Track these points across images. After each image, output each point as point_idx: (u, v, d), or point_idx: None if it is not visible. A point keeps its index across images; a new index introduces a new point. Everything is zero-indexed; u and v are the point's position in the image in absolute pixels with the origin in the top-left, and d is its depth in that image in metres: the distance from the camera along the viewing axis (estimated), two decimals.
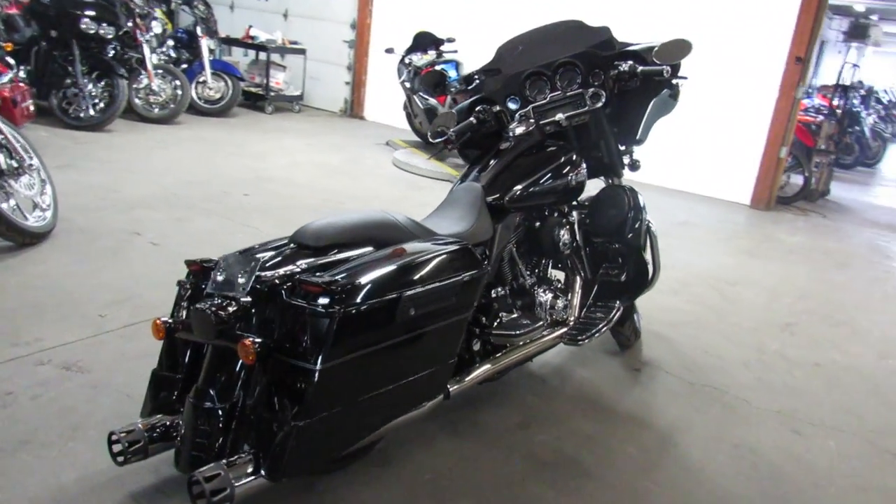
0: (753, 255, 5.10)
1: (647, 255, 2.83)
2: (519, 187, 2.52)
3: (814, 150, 7.25)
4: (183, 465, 1.82)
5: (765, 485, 2.32)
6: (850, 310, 4.16)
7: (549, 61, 2.79)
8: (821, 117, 7.56)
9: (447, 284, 1.93)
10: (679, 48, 2.54)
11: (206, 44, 7.74)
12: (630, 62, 2.61)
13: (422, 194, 5.73)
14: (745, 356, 3.30)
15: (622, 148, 2.93)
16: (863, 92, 10.93)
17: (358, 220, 2.10)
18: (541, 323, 2.48)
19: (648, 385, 2.92)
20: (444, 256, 1.96)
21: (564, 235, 2.61)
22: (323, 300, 1.69)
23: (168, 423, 1.92)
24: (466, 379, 2.20)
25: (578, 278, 2.73)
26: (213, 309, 1.74)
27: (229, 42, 9.12)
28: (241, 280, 1.78)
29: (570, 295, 2.69)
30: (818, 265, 5.07)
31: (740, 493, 2.26)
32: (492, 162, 2.67)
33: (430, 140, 2.87)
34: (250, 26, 8.92)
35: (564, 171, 2.63)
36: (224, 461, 1.67)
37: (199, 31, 7.77)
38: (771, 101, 6.48)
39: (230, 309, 1.76)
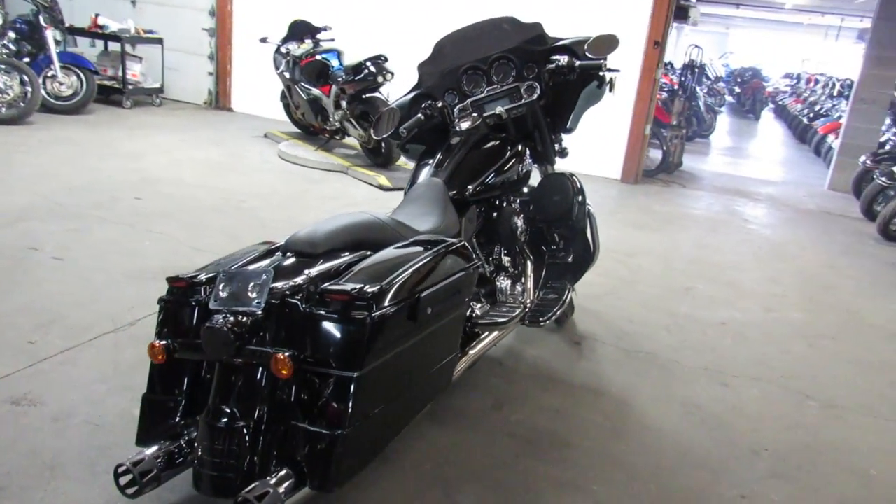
0: (638, 227, 5.54)
1: (590, 236, 3.03)
2: (479, 180, 2.62)
3: (669, 126, 7.93)
4: (206, 487, 1.76)
5: (715, 434, 2.60)
6: (731, 271, 4.66)
7: (485, 56, 2.90)
8: (665, 94, 8.29)
9: (453, 281, 1.99)
10: (608, 42, 2.74)
11: (51, 35, 7.08)
12: (567, 57, 2.77)
13: (320, 187, 5.65)
14: (663, 321, 3.63)
15: (553, 137, 3.11)
16: (696, 69, 12.01)
17: (348, 223, 2.10)
18: (518, 309, 2.61)
19: (591, 356, 3.14)
20: (447, 254, 2.02)
21: (520, 223, 2.75)
22: (353, 308, 1.69)
23: (174, 447, 1.85)
24: (459, 367, 2.28)
25: (529, 262, 2.88)
26: (229, 326, 1.70)
27: (75, 32, 8.38)
28: (252, 294, 1.74)
29: (524, 279, 2.84)
30: (693, 232, 5.61)
31: (699, 444, 2.52)
32: (441, 157, 2.73)
33: (375, 136, 2.88)
34: (97, 14, 8.24)
35: (515, 162, 2.76)
36: (269, 478, 1.64)
37: (42, 20, 7.08)
38: (634, 82, 7.00)
39: (245, 325, 1.72)
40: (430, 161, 2.76)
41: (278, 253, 2.02)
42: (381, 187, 5.74)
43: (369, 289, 1.73)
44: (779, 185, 8.52)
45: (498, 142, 2.79)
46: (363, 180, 5.92)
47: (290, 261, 1.94)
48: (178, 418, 1.90)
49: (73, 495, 1.92)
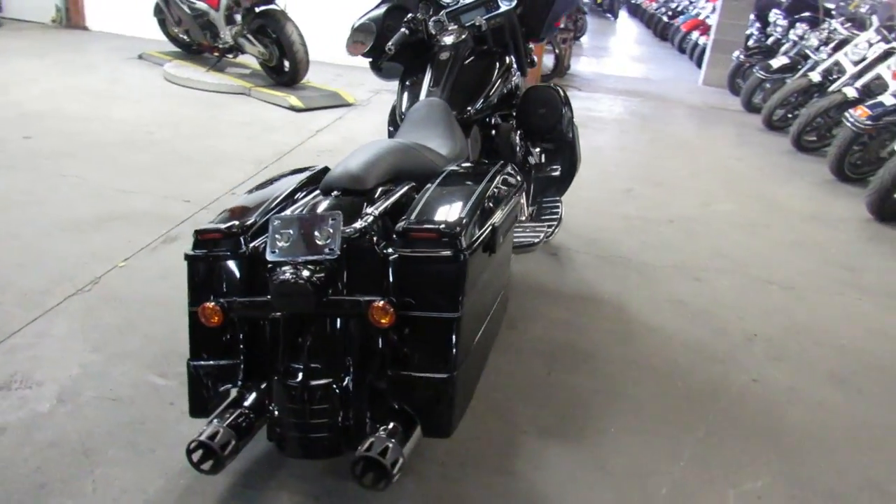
0: None
1: (577, 147, 3.03)
2: (479, 99, 2.51)
3: (559, 28, 7.98)
4: (296, 450, 1.66)
5: (708, 327, 2.78)
6: (655, 169, 4.87)
7: None
8: None
9: (512, 205, 1.93)
10: None
11: None
12: None
13: (227, 112, 5.22)
14: (618, 224, 3.76)
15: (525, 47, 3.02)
16: None
17: (384, 154, 1.95)
18: (542, 225, 2.58)
19: (574, 266, 3.21)
20: (503, 178, 1.94)
21: (517, 139, 2.69)
22: (445, 245, 1.59)
23: (242, 413, 1.71)
24: None
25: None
26: (305, 277, 1.55)
27: None
28: (322, 241, 1.59)
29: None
30: (607, 134, 5.77)
31: (699, 338, 2.68)
32: (434, 75, 2.58)
33: (351, 55, 2.67)
34: None
35: (508, 76, 2.66)
36: (379, 432, 1.56)
37: None
38: None
39: (322, 274, 1.58)
40: (419, 80, 2.60)
41: (315, 192, 1.86)
42: (293, 108, 5.39)
43: (454, 223, 1.63)
44: (660, 84, 8.92)
45: (488, 55, 2.67)
46: (272, 102, 5.53)
47: (340, 200, 1.79)
48: (237, 382, 1.74)
49: (127, 480, 1.74)
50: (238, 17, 5.61)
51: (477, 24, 2.66)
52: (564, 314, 2.76)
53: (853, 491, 1.94)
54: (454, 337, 1.60)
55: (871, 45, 5.76)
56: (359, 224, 1.66)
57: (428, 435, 1.62)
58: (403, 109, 2.56)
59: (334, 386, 1.63)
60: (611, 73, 9.40)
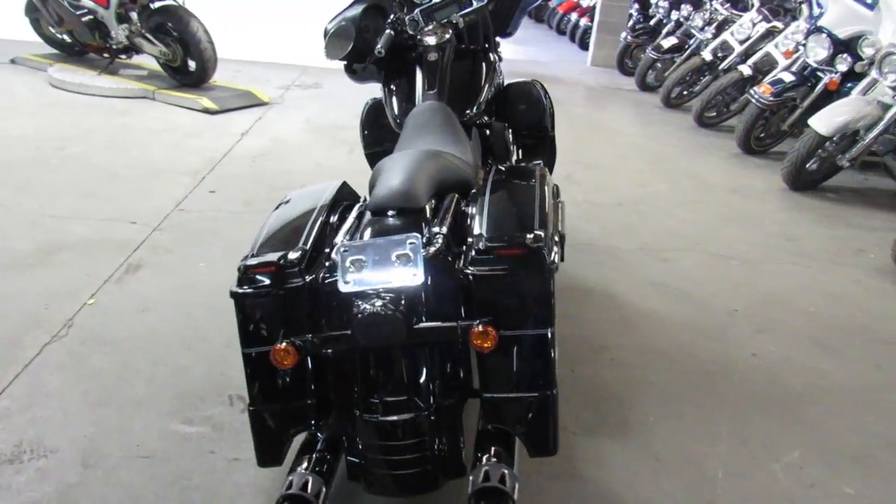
0: None
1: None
2: (477, 100, 2.47)
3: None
4: (387, 487, 1.59)
5: (693, 306, 2.92)
6: (583, 153, 5.02)
7: None
8: None
9: (561, 208, 1.92)
10: None
11: None
12: None
13: (136, 119, 4.82)
14: (574, 211, 3.84)
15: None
16: None
17: (425, 165, 1.87)
18: None
19: None
20: (547, 182, 1.92)
21: (510, 137, 2.67)
22: (533, 261, 1.56)
23: (321, 457, 1.61)
24: None
25: None
26: (392, 307, 1.48)
27: None
28: (402, 266, 1.51)
29: None
30: None
31: (690, 317, 2.81)
32: (427, 78, 2.51)
33: (329, 59, 2.55)
34: None
35: (496, 74, 2.64)
36: (488, 459, 1.51)
37: None
38: None
39: (407, 302, 1.52)
40: (408, 83, 2.52)
41: (365, 214, 1.76)
42: (207, 111, 5.07)
43: (535, 237, 1.60)
44: (550, 66, 9.16)
45: (472, 54, 2.63)
46: (181, 105, 5.16)
47: (397, 220, 1.70)
48: (310, 423, 1.64)
49: None
50: (133, 15, 5.18)
51: (454, 21, 2.61)
52: (560, 306, 2.79)
53: (874, 451, 2.11)
54: (552, 352, 1.58)
55: (754, 24, 6.21)
56: (435, 245, 1.59)
57: (534, 455, 1.59)
58: (397, 114, 2.48)
59: (425, 417, 1.57)
60: (522, 59, 9.53)
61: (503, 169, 1.99)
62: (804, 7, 5.64)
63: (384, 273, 1.49)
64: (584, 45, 10.39)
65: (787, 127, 5.17)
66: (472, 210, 1.78)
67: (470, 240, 1.62)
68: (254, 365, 1.62)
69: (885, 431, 2.20)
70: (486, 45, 2.84)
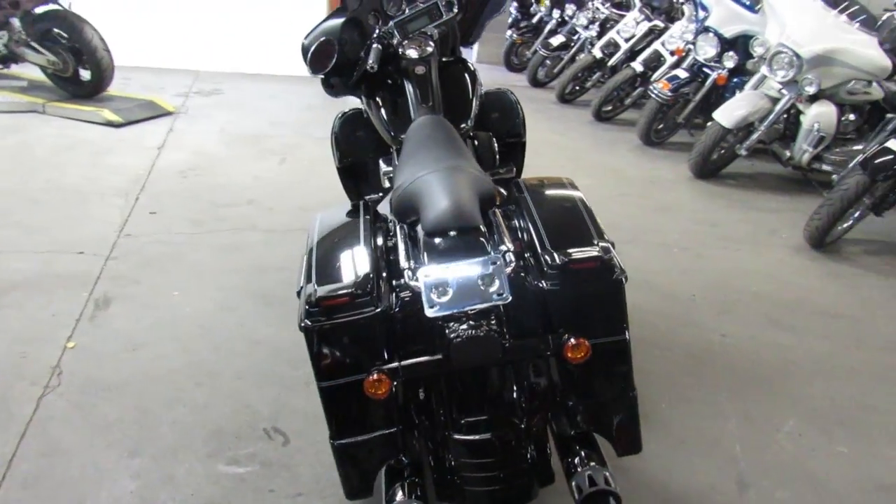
0: None
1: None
2: (473, 112, 2.51)
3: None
4: (494, 502, 1.61)
5: (658, 294, 3.13)
6: None
7: None
8: None
9: None
10: None
11: None
12: None
13: (33, 136, 4.40)
14: None
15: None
16: None
17: (465, 181, 1.89)
18: None
19: None
20: (577, 189, 2.01)
21: (496, 145, 2.72)
22: (606, 272, 1.65)
23: (412, 482, 1.62)
24: None
25: None
26: (486, 326, 1.52)
27: None
28: (488, 286, 1.55)
29: None
30: None
31: (659, 306, 3.03)
32: (418, 92, 2.51)
33: (313, 75, 2.51)
34: None
35: (478, 84, 2.69)
36: (585, 464, 1.59)
37: None
38: None
39: (500, 321, 1.56)
40: (396, 96, 2.52)
41: (416, 235, 1.77)
42: (111, 124, 4.71)
43: (607, 248, 1.69)
44: None
45: (452, 66, 2.67)
46: (80, 119, 4.76)
47: (459, 240, 1.72)
48: (398, 450, 1.63)
49: None
50: (15, 22, 4.70)
51: (429, 33, 2.64)
52: None
53: (853, 413, 2.40)
54: (628, 355, 1.67)
55: (637, 23, 6.65)
56: (510, 264, 1.63)
57: (623, 454, 1.69)
58: (393, 128, 2.47)
59: (518, 430, 1.61)
60: None
61: (533, 181, 2.06)
62: (686, 7, 6.12)
63: (471, 295, 1.52)
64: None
65: (682, 119, 5.60)
66: (520, 224, 1.83)
67: (528, 255, 1.69)
68: (333, 397, 1.60)
69: (855, 394, 2.50)
70: (453, 54, 2.89)
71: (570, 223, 1.79)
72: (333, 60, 2.53)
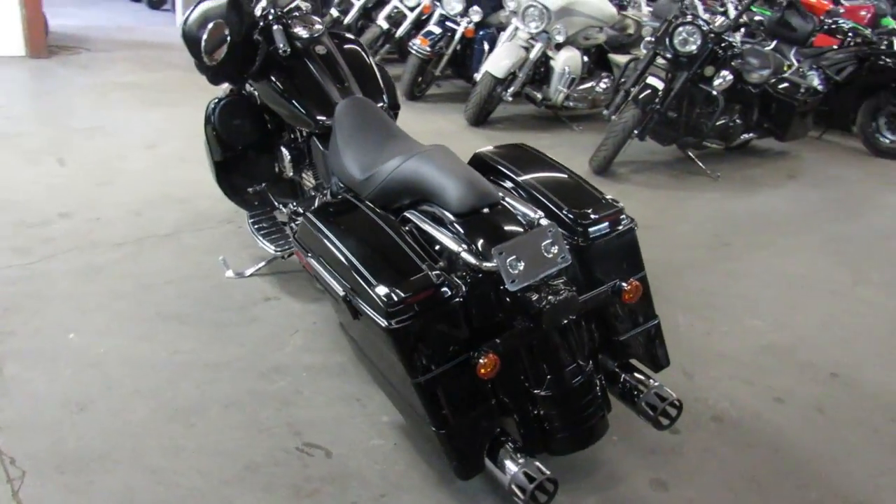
0: (156, 104, 5.07)
1: None
2: (386, 89, 2.52)
3: None
4: (575, 444, 1.83)
5: None
6: None
7: None
8: None
9: None
10: None
11: None
12: None
13: None
14: None
15: None
16: None
17: (458, 159, 2.01)
18: None
19: None
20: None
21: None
22: (623, 222, 1.90)
23: (516, 446, 1.72)
24: None
25: None
26: (563, 288, 1.69)
27: None
28: (551, 253, 1.72)
29: None
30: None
31: None
32: (327, 73, 2.42)
33: (209, 61, 2.32)
34: None
35: (370, 56, 2.67)
36: (651, 381, 1.86)
37: None
38: None
39: (568, 282, 1.75)
40: (299, 79, 2.42)
41: (452, 219, 1.82)
42: None
43: (614, 200, 1.94)
44: (143, 31, 8.28)
45: (351, 42, 2.64)
46: None
47: (490, 217, 1.82)
48: (496, 421, 1.72)
49: None
50: None
51: (302, 8, 2.56)
52: None
53: (708, 300, 3.01)
54: (648, 289, 1.95)
55: None
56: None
57: (658, 369, 1.99)
58: (314, 112, 2.38)
59: (593, 373, 1.82)
60: (96, 25, 8.20)
61: (498, 151, 2.20)
62: None
63: (541, 263, 1.68)
64: (153, 5, 9.66)
65: (439, 72, 5.96)
66: (526, 194, 1.99)
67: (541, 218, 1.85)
68: (429, 390, 1.64)
69: (702, 286, 3.13)
70: None
71: (569, 185, 2.00)
72: (226, 46, 2.34)
